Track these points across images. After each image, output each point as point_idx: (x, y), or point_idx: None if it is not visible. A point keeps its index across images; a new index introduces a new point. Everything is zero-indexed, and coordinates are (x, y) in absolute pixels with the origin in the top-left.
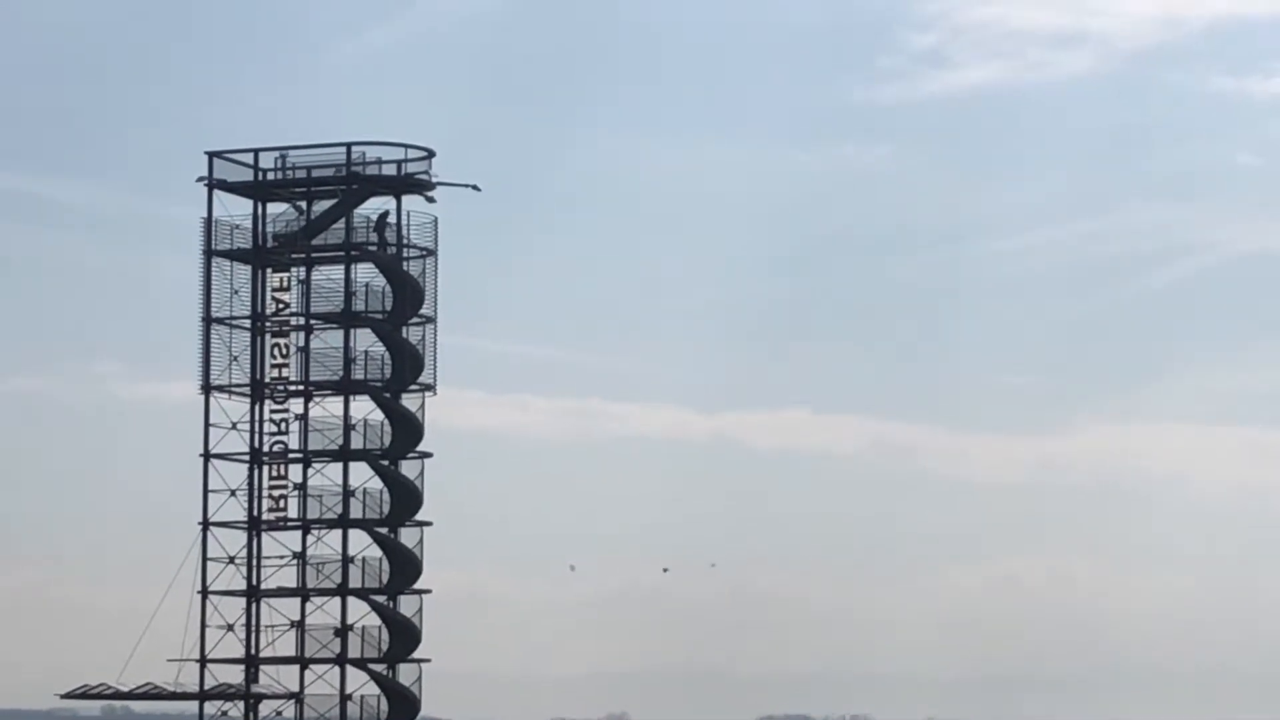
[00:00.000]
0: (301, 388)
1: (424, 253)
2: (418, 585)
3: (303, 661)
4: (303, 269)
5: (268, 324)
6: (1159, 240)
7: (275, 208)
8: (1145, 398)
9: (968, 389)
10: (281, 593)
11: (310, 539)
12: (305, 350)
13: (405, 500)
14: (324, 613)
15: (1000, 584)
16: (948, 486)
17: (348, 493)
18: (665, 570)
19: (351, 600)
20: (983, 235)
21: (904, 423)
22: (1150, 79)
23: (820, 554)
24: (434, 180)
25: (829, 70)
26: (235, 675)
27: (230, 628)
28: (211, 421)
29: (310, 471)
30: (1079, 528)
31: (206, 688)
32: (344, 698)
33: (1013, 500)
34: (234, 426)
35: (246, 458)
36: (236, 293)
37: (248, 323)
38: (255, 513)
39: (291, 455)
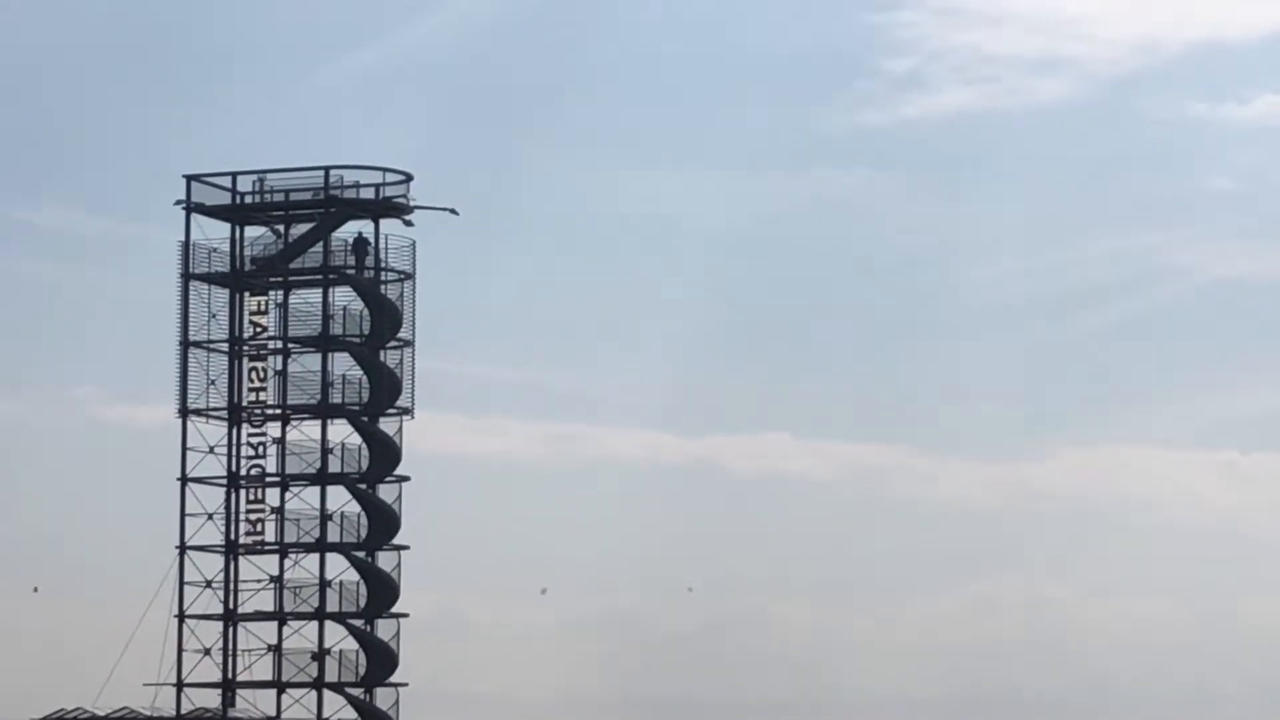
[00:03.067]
0: (279, 411)
1: (402, 276)
2: (395, 609)
3: (280, 685)
4: (280, 292)
5: (245, 347)
6: (1135, 265)
7: (253, 231)
8: (1121, 422)
9: (945, 414)
10: (259, 616)
11: (288, 563)
12: (283, 374)
13: (383, 524)
14: (301, 636)
15: (977, 607)
16: (925, 510)
17: (325, 516)
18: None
19: (329, 624)
20: (960, 260)
21: (882, 447)
22: (1127, 105)
23: (798, 577)
24: (412, 204)
25: (806, 95)
26: (212, 699)
27: (207, 651)
28: (189, 445)
29: (288, 495)
30: (1055, 551)
31: (183, 712)
32: None
33: (989, 524)
34: (211, 450)
35: (224, 481)
36: (214, 316)
37: (225, 346)
38: (232, 536)
39: (269, 479)
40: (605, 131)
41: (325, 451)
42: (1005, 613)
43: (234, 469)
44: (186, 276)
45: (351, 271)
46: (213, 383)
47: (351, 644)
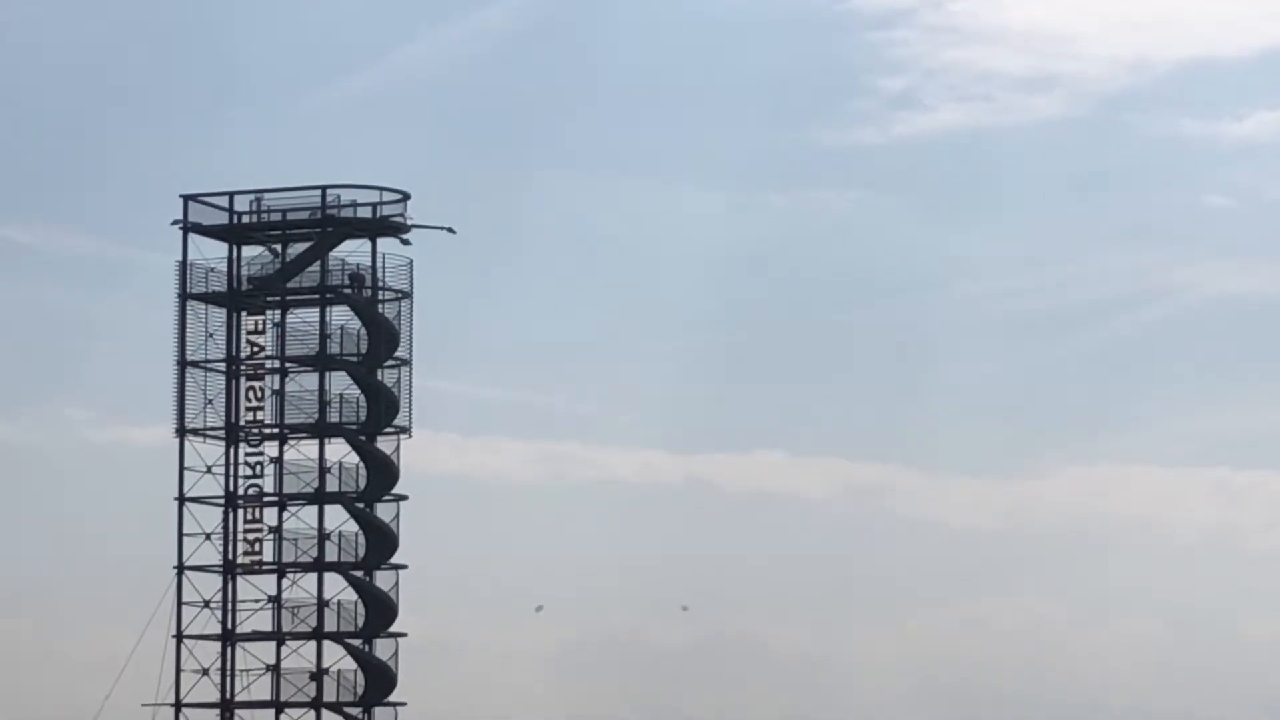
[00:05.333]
0: (276, 431)
1: (399, 295)
2: (393, 628)
3: (278, 705)
4: (278, 312)
5: (243, 367)
6: (1129, 283)
7: (250, 251)
8: (1116, 441)
9: (940, 432)
10: (257, 636)
11: (285, 582)
12: (280, 393)
13: (381, 543)
14: (300, 656)
15: (971, 627)
16: (920, 529)
17: (323, 536)
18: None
19: (327, 644)
20: (955, 278)
21: (877, 465)
22: (1120, 122)
23: (793, 597)
24: (409, 223)
25: (800, 114)
26: None
27: (205, 672)
28: (186, 465)
29: (285, 515)
30: (1050, 571)
31: None
32: None
33: (984, 543)
34: (209, 470)
35: (221, 501)
36: (211, 336)
37: (222, 366)
38: (230, 556)
39: (266, 499)
40: (601, 150)
41: (323, 471)
42: (1000, 631)
43: (231, 489)
44: (184, 296)
45: (349, 290)
46: (210, 402)
47: (350, 664)
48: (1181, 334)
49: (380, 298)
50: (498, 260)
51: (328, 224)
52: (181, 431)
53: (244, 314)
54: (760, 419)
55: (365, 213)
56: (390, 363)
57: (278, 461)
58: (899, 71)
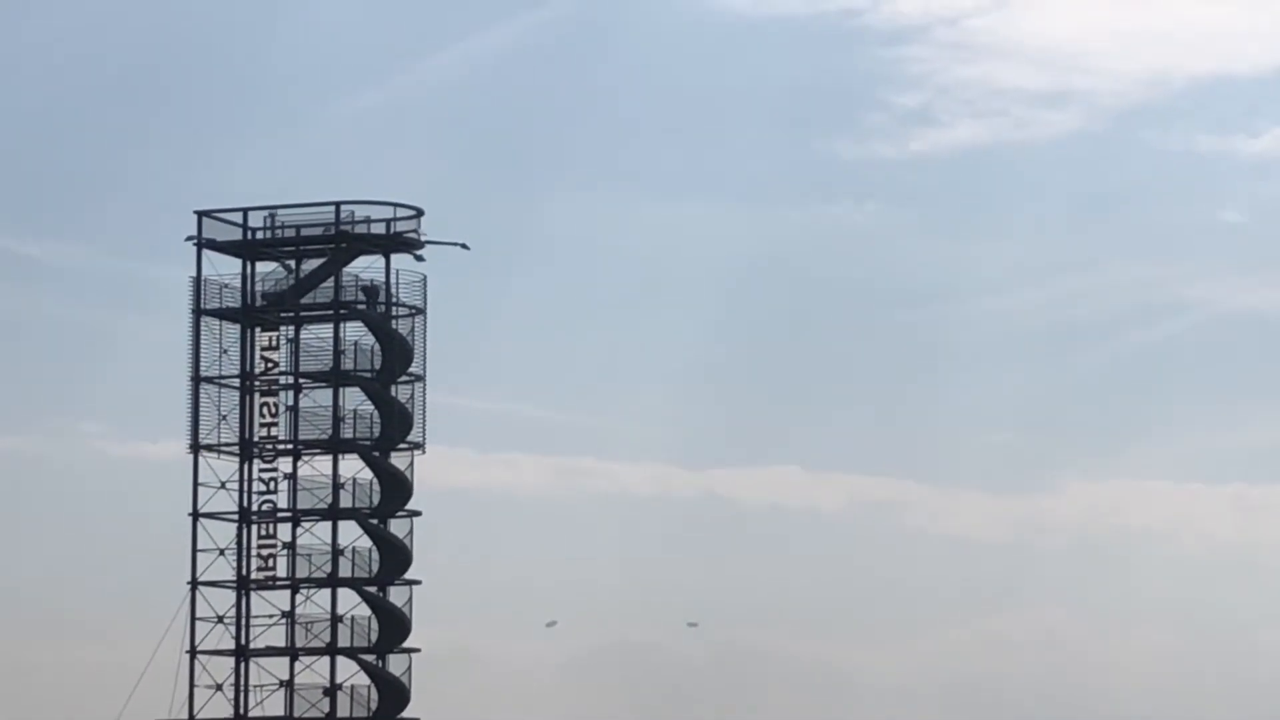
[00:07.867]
0: (290, 447)
1: (413, 311)
2: (407, 644)
3: None
4: (291, 328)
5: (256, 383)
6: (1144, 298)
7: (264, 267)
8: (1130, 455)
9: (954, 446)
10: (270, 652)
11: (299, 598)
12: (294, 409)
13: (394, 559)
14: (313, 672)
15: (985, 641)
16: (933, 544)
17: (337, 552)
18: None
19: (341, 659)
20: (970, 293)
21: (891, 480)
22: (1135, 137)
23: (806, 611)
24: (423, 239)
25: (816, 129)
26: None
27: (219, 687)
28: (200, 481)
29: (299, 530)
30: (1064, 585)
31: None
32: None
33: (998, 557)
34: (223, 486)
35: (235, 517)
36: (225, 352)
37: (236, 382)
38: (244, 572)
39: (280, 514)
40: (615, 166)
41: (336, 486)
42: (1013, 646)
43: (245, 504)
44: (198, 312)
45: (363, 307)
46: (224, 418)
47: (363, 679)
48: (1196, 349)
49: (394, 313)
50: (511, 276)
51: (342, 240)
52: (195, 447)
53: (258, 330)
54: (774, 433)
55: (379, 229)
56: (404, 378)
57: (291, 477)
58: (915, 87)
